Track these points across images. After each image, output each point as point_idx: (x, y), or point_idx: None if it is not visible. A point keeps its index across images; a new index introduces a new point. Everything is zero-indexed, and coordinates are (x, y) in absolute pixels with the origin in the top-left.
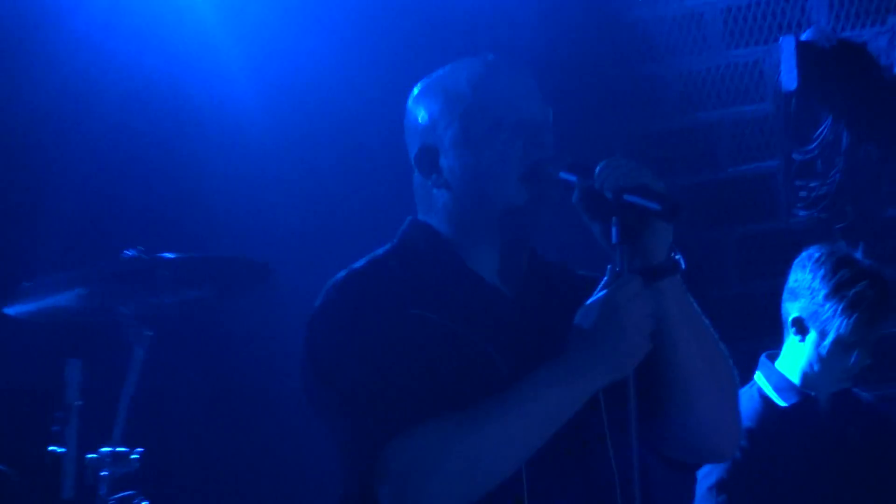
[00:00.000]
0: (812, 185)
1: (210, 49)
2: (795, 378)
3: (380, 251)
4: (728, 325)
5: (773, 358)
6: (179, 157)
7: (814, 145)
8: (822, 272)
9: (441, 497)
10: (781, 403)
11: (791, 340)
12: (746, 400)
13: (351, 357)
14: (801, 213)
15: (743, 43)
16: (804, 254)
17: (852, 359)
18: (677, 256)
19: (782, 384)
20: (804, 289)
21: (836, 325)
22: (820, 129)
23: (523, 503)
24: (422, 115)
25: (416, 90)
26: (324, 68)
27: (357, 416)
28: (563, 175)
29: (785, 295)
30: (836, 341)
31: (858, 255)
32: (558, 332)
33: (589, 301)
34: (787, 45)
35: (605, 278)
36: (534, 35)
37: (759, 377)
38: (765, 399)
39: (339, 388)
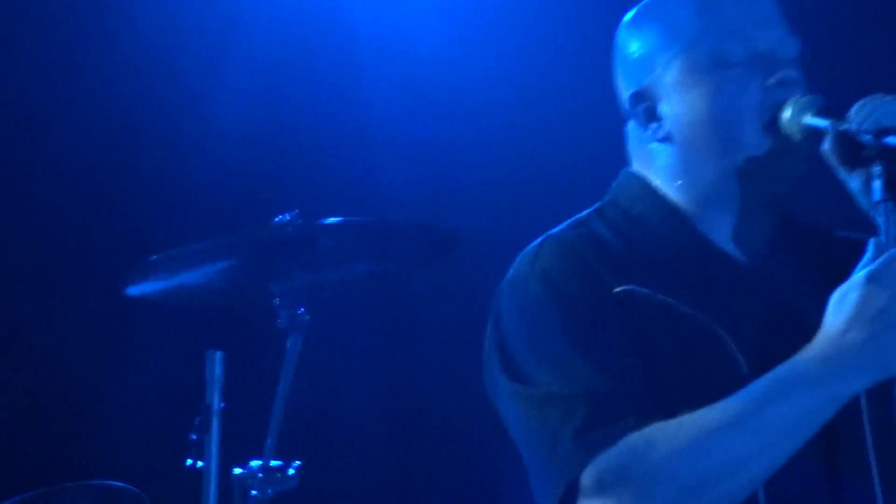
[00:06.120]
0: None
1: None
2: None
3: (584, 213)
4: None
5: None
6: (348, 106)
7: None
8: None
9: None
10: None
11: None
12: None
13: (544, 346)
14: None
15: None
16: None
17: None
18: None
19: None
20: None
21: None
22: None
23: None
24: (635, 50)
25: (627, 18)
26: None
27: (550, 423)
28: (811, 121)
29: None
30: None
31: None
32: (811, 313)
33: (848, 281)
34: None
35: (869, 251)
36: None
37: None
38: None
39: (529, 385)
